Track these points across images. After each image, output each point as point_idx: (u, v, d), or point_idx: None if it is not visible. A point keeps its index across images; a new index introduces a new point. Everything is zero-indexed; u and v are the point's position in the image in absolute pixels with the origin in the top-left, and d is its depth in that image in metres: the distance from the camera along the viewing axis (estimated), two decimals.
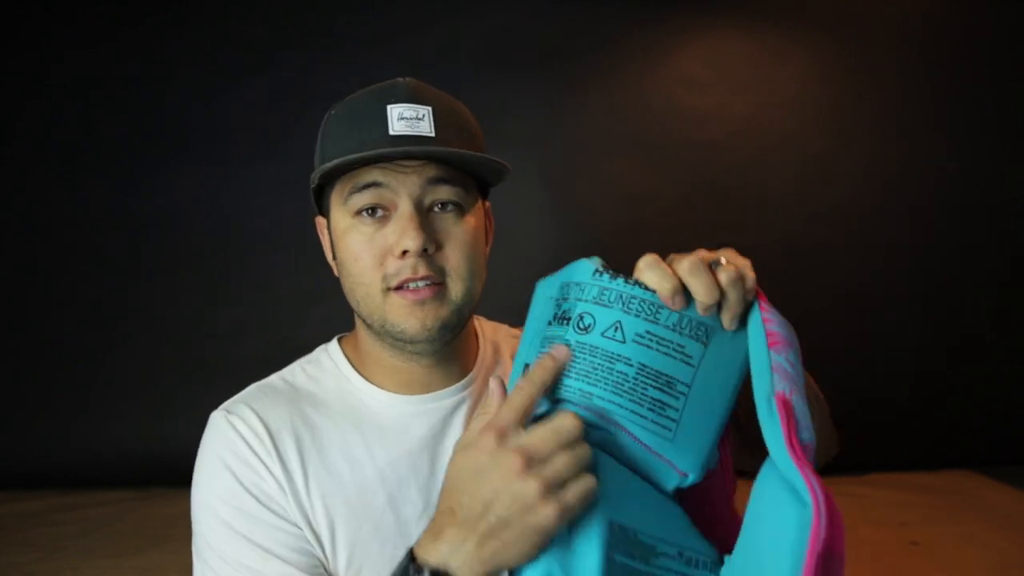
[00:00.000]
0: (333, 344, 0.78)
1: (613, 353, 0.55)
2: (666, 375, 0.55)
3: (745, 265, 0.55)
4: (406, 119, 0.66)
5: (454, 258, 0.67)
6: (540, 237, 3.44)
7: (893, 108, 3.44)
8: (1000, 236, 3.41)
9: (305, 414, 0.71)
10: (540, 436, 0.52)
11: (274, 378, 0.76)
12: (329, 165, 0.63)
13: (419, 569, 0.52)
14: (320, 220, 0.75)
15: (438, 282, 0.67)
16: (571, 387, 0.55)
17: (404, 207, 0.66)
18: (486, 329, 0.84)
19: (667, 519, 0.56)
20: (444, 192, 0.67)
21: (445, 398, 0.74)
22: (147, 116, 3.51)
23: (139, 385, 3.48)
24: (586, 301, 0.56)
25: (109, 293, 3.51)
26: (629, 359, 0.54)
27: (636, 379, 0.54)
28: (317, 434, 0.70)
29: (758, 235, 3.28)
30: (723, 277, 0.54)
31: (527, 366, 0.59)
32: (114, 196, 3.52)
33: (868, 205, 3.41)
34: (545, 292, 0.62)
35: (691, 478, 0.57)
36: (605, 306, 0.55)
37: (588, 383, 0.55)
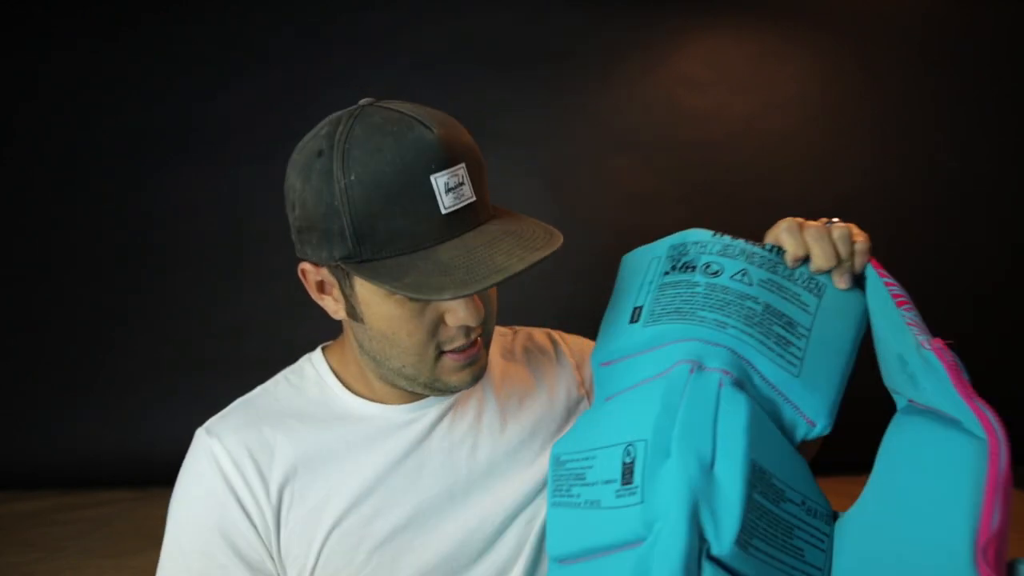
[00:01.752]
0: (317, 354, 0.77)
1: (742, 292, 0.61)
2: (788, 316, 0.61)
3: (862, 236, 0.61)
4: (452, 190, 0.60)
5: (489, 312, 0.67)
6: None
7: (893, 108, 3.44)
8: (1000, 236, 3.41)
9: (290, 428, 0.71)
10: None
11: (258, 391, 0.75)
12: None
13: None
14: (309, 268, 0.66)
15: (480, 334, 0.67)
16: (707, 317, 0.60)
17: None
18: None
19: (795, 468, 0.59)
20: None
21: (432, 405, 0.74)
22: (147, 116, 3.51)
23: (139, 385, 3.48)
24: (710, 254, 0.63)
25: (109, 293, 3.51)
26: (756, 298, 0.60)
27: (763, 315, 0.60)
28: (303, 448, 0.70)
29: (758, 235, 3.27)
30: (835, 233, 0.60)
31: (637, 309, 0.64)
32: (114, 197, 3.52)
33: (868, 205, 3.41)
34: (646, 255, 0.66)
35: (819, 427, 0.60)
36: (730, 258, 0.62)
37: (723, 315, 0.60)
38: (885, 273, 0.60)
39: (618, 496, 0.57)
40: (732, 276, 0.61)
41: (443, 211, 0.60)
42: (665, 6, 3.49)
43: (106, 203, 3.52)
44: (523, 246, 0.61)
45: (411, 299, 0.61)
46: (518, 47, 3.49)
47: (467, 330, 0.65)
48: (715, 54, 3.53)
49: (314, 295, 0.68)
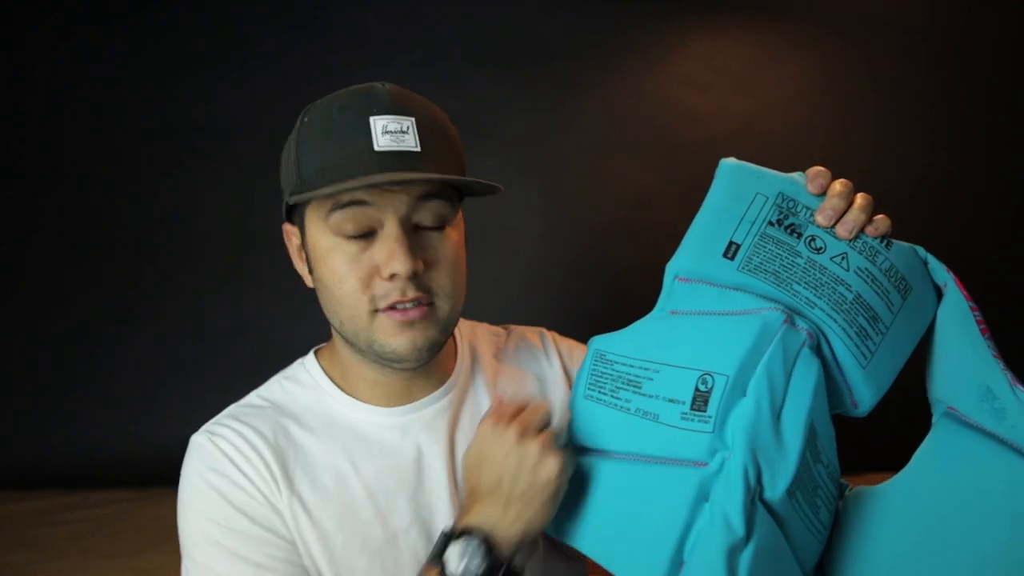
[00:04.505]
0: (310, 357, 0.77)
1: (838, 276, 0.61)
2: (874, 310, 0.61)
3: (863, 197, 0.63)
4: (391, 133, 0.63)
5: (441, 277, 0.66)
6: (539, 237, 3.44)
7: (893, 108, 3.44)
8: (1001, 236, 3.41)
9: (287, 430, 0.70)
10: (529, 411, 0.62)
11: (252, 396, 0.74)
12: (321, 192, 0.61)
13: (459, 532, 0.59)
14: (289, 228, 0.72)
15: (427, 303, 0.66)
16: (800, 292, 0.61)
17: (391, 227, 0.63)
18: (463, 330, 0.82)
19: (830, 434, 0.63)
20: (431, 209, 0.65)
21: (426, 407, 0.73)
22: (146, 116, 3.50)
23: (139, 385, 3.47)
24: (818, 226, 0.62)
25: (109, 293, 3.51)
26: (850, 286, 0.61)
27: (852, 304, 0.61)
28: (300, 450, 0.69)
29: None
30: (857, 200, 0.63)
31: (734, 245, 0.63)
32: (113, 197, 3.52)
33: None
34: (751, 184, 0.63)
35: (859, 410, 0.64)
36: (835, 238, 0.62)
37: (815, 295, 0.61)
38: (969, 296, 0.62)
39: (684, 419, 0.60)
40: (832, 258, 0.61)
41: (375, 148, 0.63)
42: (665, 6, 3.49)
43: (104, 203, 3.52)
44: (430, 175, 0.63)
45: (348, 204, 0.63)
46: (518, 47, 3.49)
47: (401, 286, 0.64)
48: (715, 54, 3.53)
49: (296, 261, 0.73)
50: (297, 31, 3.53)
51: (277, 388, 0.75)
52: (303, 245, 0.70)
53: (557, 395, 0.80)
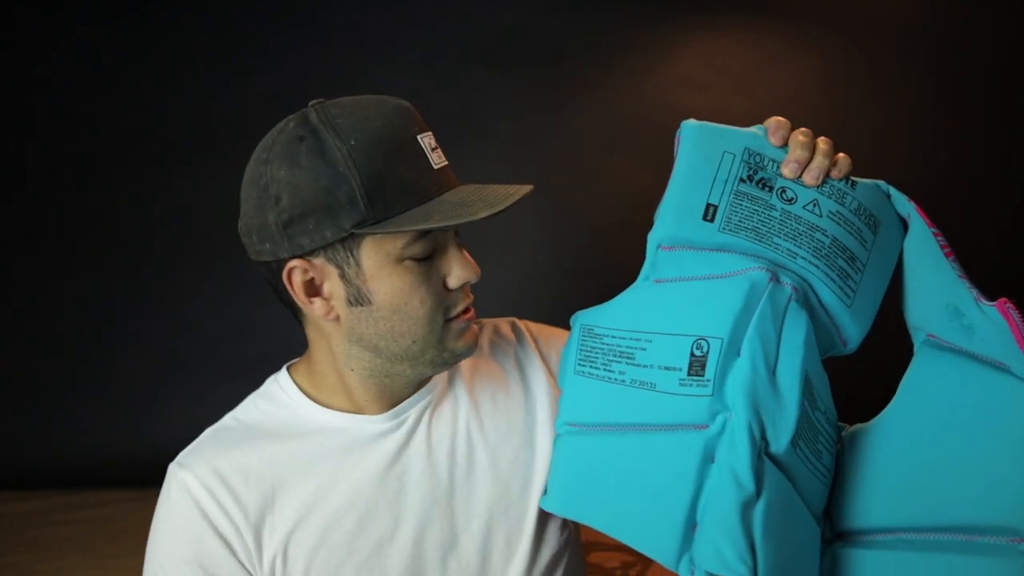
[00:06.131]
0: (283, 374, 0.76)
1: (813, 224, 0.63)
2: (850, 250, 0.63)
3: (825, 141, 0.65)
4: (434, 150, 0.66)
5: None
6: (539, 237, 3.44)
7: (893, 108, 3.44)
8: (1001, 237, 3.41)
9: (263, 453, 0.70)
10: None
11: (228, 419, 0.74)
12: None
13: None
14: (300, 265, 0.64)
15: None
16: (780, 245, 0.63)
17: (452, 242, 0.67)
18: None
19: (823, 379, 0.64)
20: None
21: (409, 408, 0.73)
22: (146, 116, 3.50)
23: (140, 385, 3.48)
24: (786, 177, 0.63)
25: (109, 293, 3.51)
26: (825, 231, 0.63)
27: (830, 248, 0.63)
28: (278, 468, 0.69)
29: None
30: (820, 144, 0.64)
31: (712, 207, 0.64)
32: (113, 197, 3.52)
33: None
34: (717, 143, 0.64)
35: (848, 347, 0.66)
36: (803, 186, 0.63)
37: (795, 244, 0.63)
38: (932, 223, 0.64)
39: (682, 384, 0.62)
40: (804, 206, 0.63)
41: (434, 166, 0.65)
42: (665, 6, 3.49)
43: (104, 203, 3.52)
44: (507, 187, 0.67)
45: (430, 231, 0.63)
46: (518, 47, 3.49)
47: (466, 293, 0.69)
48: (715, 54, 3.53)
49: (301, 300, 0.67)
50: (297, 31, 3.53)
51: (252, 408, 0.74)
52: (344, 278, 0.64)
53: (538, 382, 0.80)
